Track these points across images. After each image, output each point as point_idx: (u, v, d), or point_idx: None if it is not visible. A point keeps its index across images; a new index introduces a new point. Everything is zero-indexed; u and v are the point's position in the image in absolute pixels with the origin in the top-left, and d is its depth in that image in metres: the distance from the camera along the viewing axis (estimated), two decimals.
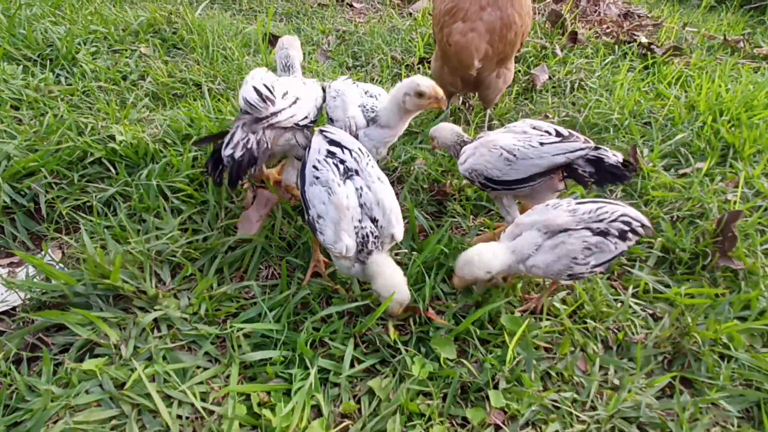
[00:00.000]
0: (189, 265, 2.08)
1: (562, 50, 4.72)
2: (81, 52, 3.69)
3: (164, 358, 1.73)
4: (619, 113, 3.55)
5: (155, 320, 1.86)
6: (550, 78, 4.26)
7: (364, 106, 2.35)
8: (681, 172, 3.14)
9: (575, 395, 1.75)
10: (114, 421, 1.54)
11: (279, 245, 2.29)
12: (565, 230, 1.82)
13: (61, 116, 2.94)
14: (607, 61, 4.47)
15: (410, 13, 5.83)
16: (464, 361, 1.79)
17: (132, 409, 1.56)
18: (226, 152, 1.94)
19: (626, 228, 1.83)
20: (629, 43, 4.93)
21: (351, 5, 6.06)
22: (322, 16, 5.45)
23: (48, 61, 3.57)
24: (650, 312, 2.16)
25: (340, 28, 5.12)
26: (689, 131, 3.41)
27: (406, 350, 1.83)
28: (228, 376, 1.71)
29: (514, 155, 2.02)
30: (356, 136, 2.25)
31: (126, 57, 3.75)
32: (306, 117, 2.19)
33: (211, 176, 2.05)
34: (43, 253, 2.16)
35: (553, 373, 1.85)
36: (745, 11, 7.43)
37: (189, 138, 2.86)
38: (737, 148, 3.26)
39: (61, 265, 2.15)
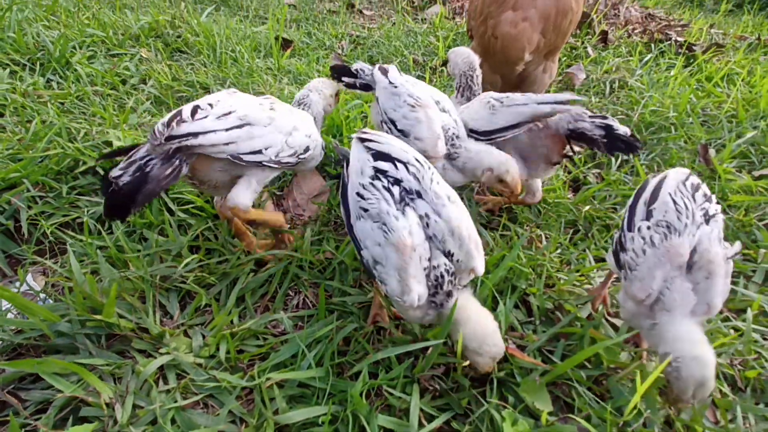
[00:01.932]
0: (203, 293, 1.66)
1: (594, 50, 4.41)
2: (76, 56, 3.33)
3: (173, 421, 1.30)
4: (674, 111, 3.18)
5: (161, 368, 1.43)
6: (587, 77, 3.92)
7: (446, 130, 1.97)
8: (758, 174, 2.75)
9: None
10: None
11: (311, 266, 1.87)
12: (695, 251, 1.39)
13: (50, 122, 2.55)
14: (646, 59, 4.14)
15: (423, 19, 5.54)
16: (574, 417, 1.35)
17: None
18: (114, 173, 1.46)
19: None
20: (664, 41, 4.63)
21: (361, 12, 5.79)
22: (333, 21, 5.16)
23: (39, 66, 3.21)
24: None
25: (353, 33, 4.81)
26: (757, 130, 3.04)
27: (488, 402, 1.40)
28: None
29: (501, 102, 2.00)
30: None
31: (125, 61, 3.39)
32: (258, 152, 1.60)
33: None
34: (19, 282, 1.74)
35: (679, 425, 1.42)
36: (767, 14, 7.19)
37: None
38: None
39: (43, 295, 1.73)
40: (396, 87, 1.95)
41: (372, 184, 1.38)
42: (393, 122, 1.95)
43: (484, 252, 1.43)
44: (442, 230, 1.36)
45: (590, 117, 1.91)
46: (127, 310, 1.57)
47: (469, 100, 2.29)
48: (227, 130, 1.55)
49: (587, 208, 2.42)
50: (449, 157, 1.99)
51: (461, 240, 1.36)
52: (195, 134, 1.50)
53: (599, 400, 1.44)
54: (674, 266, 1.36)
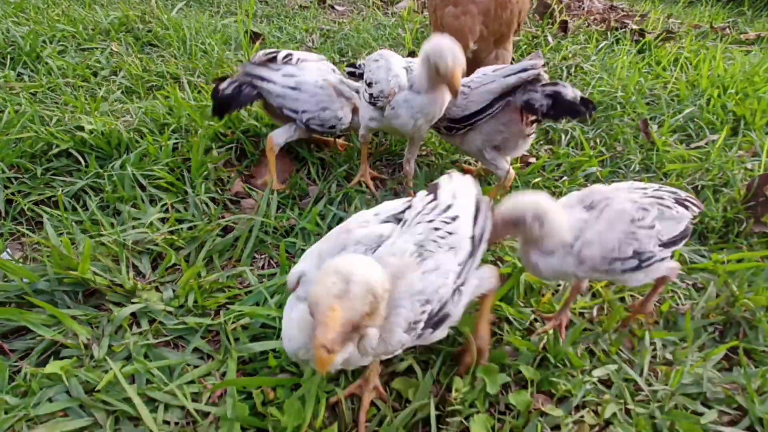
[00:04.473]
0: (172, 253, 1.80)
1: (554, 38, 4.64)
2: (46, 50, 3.42)
3: (146, 356, 1.44)
4: (622, 91, 3.42)
5: (133, 315, 1.57)
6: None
7: (409, 68, 2.07)
8: (694, 145, 3.00)
9: (626, 375, 1.52)
10: None
11: (275, 231, 2.03)
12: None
13: (23, 110, 2.65)
14: (601, 46, 4.39)
15: (394, 12, 5.72)
16: (507, 344, 1.54)
17: (107, 417, 1.26)
18: (223, 86, 2.23)
19: (680, 198, 1.52)
20: (620, 29, 4.89)
21: (333, 7, 5.94)
22: (304, 17, 5.30)
23: (9, 60, 3.29)
24: (690, 283, 1.96)
25: (323, 27, 4.97)
26: (696, 106, 3.30)
27: None
28: (224, 374, 1.43)
29: (469, 87, 2.07)
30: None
31: (96, 55, 3.49)
32: (295, 112, 2.22)
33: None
34: None
35: (597, 352, 1.62)
36: (723, 4, 7.57)
37: (168, 127, 2.60)
38: (747, 120, 3.15)
39: (20, 263, 1.85)
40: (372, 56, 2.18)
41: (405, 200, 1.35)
42: (367, 83, 2.10)
43: None
44: (383, 254, 1.14)
45: (542, 86, 1.94)
46: (101, 269, 1.71)
47: None
48: (283, 87, 2.20)
49: (537, 179, 2.62)
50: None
51: None
52: (262, 78, 2.21)
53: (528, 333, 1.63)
54: None
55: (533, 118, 2.05)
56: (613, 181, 2.70)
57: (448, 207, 1.27)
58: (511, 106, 2.02)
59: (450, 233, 1.20)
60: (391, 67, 2.03)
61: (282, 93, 2.20)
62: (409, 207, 1.28)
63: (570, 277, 1.44)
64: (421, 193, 1.37)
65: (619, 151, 2.94)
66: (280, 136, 2.29)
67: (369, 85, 2.08)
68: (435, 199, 1.30)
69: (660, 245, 1.41)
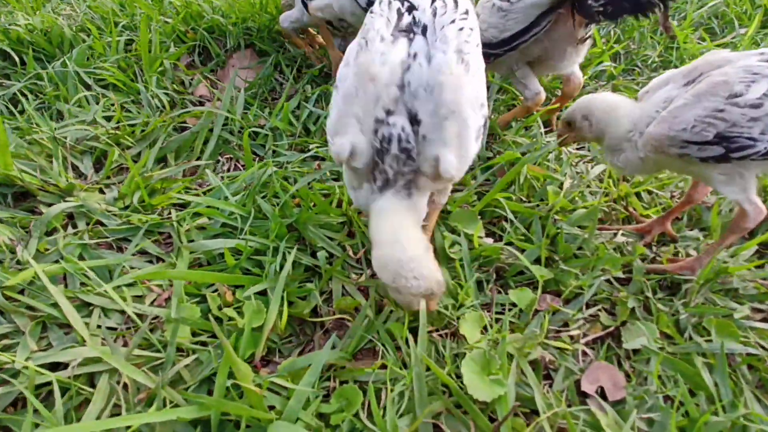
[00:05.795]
0: (116, 150, 1.54)
1: None
2: None
3: (80, 258, 1.23)
4: None
5: (70, 216, 1.34)
6: None
7: None
8: (716, 43, 2.66)
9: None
10: (5, 341, 1.05)
11: (241, 131, 1.77)
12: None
13: None
14: None
15: None
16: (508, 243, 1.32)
17: (29, 323, 1.06)
18: None
19: None
20: None
21: None
22: None
23: None
24: None
25: None
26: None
27: None
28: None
29: (509, 1, 1.58)
30: None
31: None
32: None
33: None
34: None
35: (610, 249, 1.41)
36: None
37: (118, 24, 2.26)
38: None
39: None
40: None
41: (389, 2, 1.10)
42: None
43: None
44: (420, 79, 0.98)
45: None
46: (33, 169, 1.46)
47: None
48: None
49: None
50: None
51: (439, 104, 0.97)
52: None
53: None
54: None
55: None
56: (628, 79, 2.44)
57: (455, 2, 1.09)
58: (561, 16, 1.59)
59: (471, 29, 1.07)
60: None
61: None
62: (409, 11, 1.07)
63: (649, 168, 1.29)
64: None
65: (633, 47, 2.61)
66: (284, 20, 2.13)
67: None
68: None
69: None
